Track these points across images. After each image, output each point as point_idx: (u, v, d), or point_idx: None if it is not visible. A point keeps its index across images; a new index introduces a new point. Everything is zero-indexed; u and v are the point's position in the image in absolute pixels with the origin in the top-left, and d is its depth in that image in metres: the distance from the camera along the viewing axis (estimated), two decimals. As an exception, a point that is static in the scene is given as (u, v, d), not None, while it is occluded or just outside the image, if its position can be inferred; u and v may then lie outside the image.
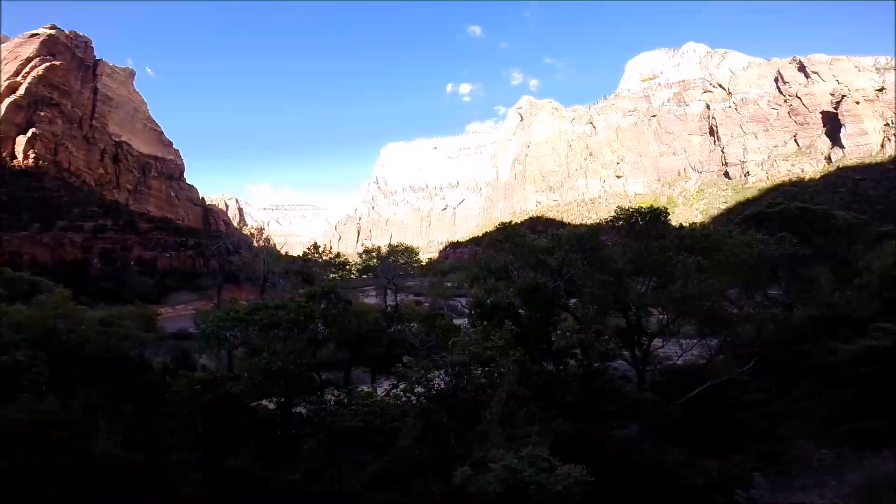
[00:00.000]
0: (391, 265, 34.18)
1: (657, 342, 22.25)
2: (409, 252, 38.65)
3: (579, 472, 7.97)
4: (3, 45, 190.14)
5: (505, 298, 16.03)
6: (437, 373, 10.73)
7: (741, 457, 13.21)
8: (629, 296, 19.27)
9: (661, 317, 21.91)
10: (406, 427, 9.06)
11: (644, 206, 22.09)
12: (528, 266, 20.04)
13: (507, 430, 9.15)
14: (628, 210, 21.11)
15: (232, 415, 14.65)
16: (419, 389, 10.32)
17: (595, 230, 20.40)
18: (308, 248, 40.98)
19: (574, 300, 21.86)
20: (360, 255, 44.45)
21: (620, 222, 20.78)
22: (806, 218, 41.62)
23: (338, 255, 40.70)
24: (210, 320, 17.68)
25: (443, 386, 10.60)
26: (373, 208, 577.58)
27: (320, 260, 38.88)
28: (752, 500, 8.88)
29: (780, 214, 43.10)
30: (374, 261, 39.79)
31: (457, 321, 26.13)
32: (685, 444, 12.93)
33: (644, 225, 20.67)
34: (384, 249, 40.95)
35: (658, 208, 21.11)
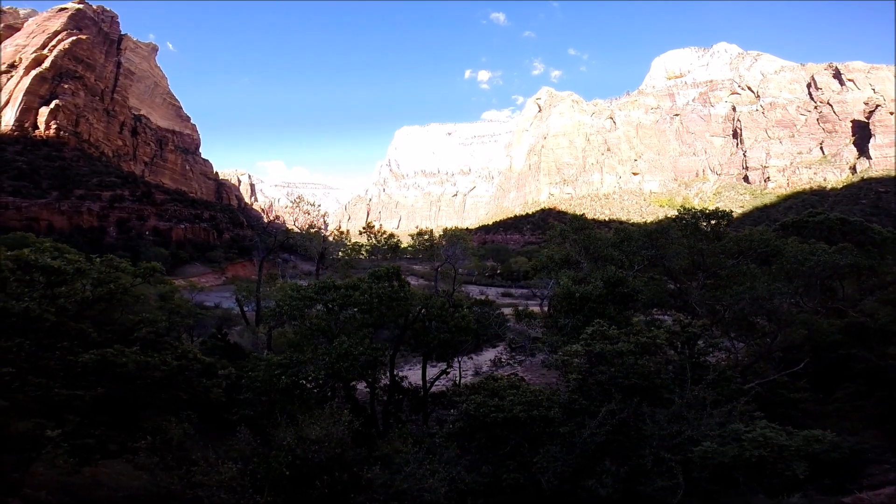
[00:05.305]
0: (453, 250, 34.07)
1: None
2: (461, 238, 38.58)
3: (830, 435, 9.11)
4: (31, 19, 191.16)
5: (595, 290, 16.03)
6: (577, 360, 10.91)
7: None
8: (691, 295, 19.26)
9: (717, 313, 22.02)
10: (604, 415, 9.30)
11: (708, 208, 21.84)
12: (592, 259, 19.99)
13: (692, 411, 9.60)
14: (691, 210, 20.91)
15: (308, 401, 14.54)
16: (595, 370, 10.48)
17: (665, 229, 20.28)
18: (362, 228, 41.26)
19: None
20: (411, 236, 44.54)
21: (683, 221, 20.62)
22: (844, 229, 41.41)
23: (391, 235, 40.74)
24: (282, 298, 17.79)
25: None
26: (384, 190, 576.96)
27: (376, 241, 39.02)
28: None
29: (819, 224, 42.85)
30: (426, 244, 39.94)
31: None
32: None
33: (706, 226, 20.55)
34: (437, 234, 41.17)
35: (722, 211, 20.91)
